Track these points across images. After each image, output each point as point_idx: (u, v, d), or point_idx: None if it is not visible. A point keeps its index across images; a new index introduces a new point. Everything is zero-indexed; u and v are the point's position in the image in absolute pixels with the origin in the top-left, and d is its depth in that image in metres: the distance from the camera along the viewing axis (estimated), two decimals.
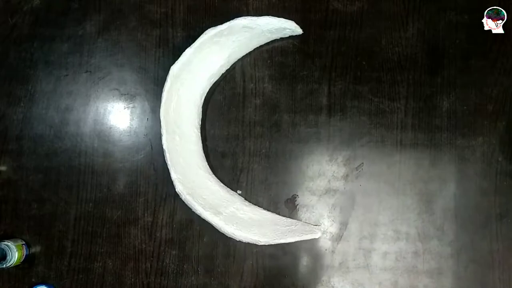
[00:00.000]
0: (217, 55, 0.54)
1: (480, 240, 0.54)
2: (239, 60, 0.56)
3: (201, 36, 0.52)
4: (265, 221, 0.53)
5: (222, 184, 0.54)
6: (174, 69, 0.52)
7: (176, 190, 0.52)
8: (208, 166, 0.55)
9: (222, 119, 0.56)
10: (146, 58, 0.56)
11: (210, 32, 0.51)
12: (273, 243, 0.52)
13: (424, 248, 0.54)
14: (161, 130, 0.52)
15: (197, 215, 0.53)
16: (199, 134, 0.55)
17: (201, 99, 0.55)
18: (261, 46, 0.56)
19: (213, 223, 0.52)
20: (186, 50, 0.52)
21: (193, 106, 0.54)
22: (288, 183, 0.55)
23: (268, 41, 0.55)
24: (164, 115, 0.52)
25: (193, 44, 0.52)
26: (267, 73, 0.56)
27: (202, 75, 0.54)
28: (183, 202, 0.53)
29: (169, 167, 0.52)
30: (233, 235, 0.52)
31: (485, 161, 0.55)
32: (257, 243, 0.52)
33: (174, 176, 0.52)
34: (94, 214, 0.55)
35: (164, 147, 0.52)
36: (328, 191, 0.55)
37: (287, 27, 0.53)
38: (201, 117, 0.55)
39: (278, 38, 0.55)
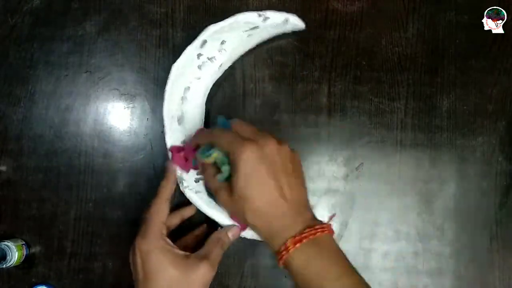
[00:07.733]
0: (219, 52, 0.53)
1: (480, 240, 0.54)
2: (239, 59, 0.56)
3: (202, 33, 0.51)
4: None
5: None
6: (176, 67, 0.52)
7: (181, 188, 0.52)
8: None
9: None
10: (146, 58, 0.56)
11: (212, 29, 0.51)
12: None
13: (424, 248, 0.54)
14: (164, 128, 0.52)
15: (197, 215, 0.52)
16: None
17: (204, 97, 0.55)
18: (261, 46, 0.56)
19: (218, 220, 0.52)
20: (187, 48, 0.51)
21: (196, 104, 0.54)
22: None
23: (271, 36, 0.55)
24: (167, 113, 0.52)
25: (194, 41, 0.51)
26: (267, 73, 0.56)
27: (205, 73, 0.54)
28: (183, 202, 0.53)
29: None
30: None
31: (485, 161, 0.55)
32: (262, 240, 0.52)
33: (178, 174, 0.52)
34: (94, 214, 0.55)
35: (168, 145, 0.52)
36: (328, 191, 0.55)
37: (290, 22, 0.53)
38: (204, 115, 0.55)
39: (281, 33, 0.55)
